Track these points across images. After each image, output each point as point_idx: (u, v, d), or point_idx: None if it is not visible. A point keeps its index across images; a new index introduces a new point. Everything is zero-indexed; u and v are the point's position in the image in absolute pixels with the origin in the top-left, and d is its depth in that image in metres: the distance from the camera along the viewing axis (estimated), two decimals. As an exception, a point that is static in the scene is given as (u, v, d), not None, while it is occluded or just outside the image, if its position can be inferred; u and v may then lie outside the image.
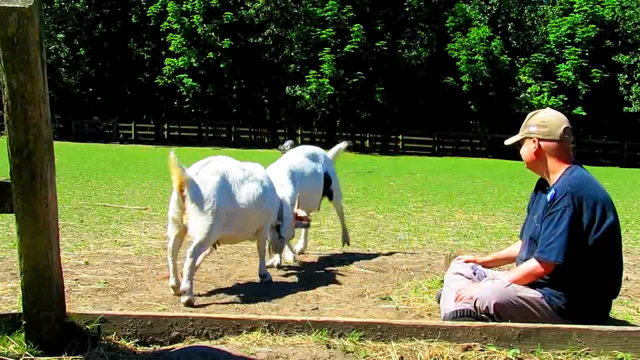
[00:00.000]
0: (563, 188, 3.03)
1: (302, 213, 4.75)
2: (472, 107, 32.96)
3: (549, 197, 3.08)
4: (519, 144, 3.30)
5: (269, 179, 4.40)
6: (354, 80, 31.84)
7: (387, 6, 34.18)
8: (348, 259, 5.35)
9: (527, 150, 3.24)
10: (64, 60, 35.55)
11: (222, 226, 3.93)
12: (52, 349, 2.50)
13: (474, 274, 3.47)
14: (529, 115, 3.31)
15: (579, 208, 2.98)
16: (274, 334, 2.80)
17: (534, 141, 3.18)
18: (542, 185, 3.30)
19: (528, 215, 3.39)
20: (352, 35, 32.10)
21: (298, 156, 5.31)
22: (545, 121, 3.18)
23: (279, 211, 4.52)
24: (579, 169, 3.15)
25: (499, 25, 33.69)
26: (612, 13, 32.48)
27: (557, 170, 3.16)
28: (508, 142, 3.37)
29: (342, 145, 6.09)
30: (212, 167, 4.00)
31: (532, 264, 3.09)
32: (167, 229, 4.08)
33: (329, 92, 31.15)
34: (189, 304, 3.68)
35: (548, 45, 32.57)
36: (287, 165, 5.06)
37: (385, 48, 32.63)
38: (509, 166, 23.97)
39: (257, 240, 4.42)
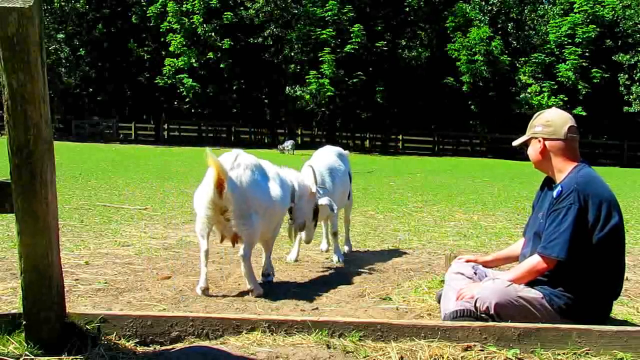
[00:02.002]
0: (569, 185, 3.04)
1: (314, 188, 4.77)
2: (472, 107, 32.96)
3: (554, 193, 3.09)
4: (526, 144, 3.31)
5: (279, 175, 4.46)
6: (354, 80, 31.84)
7: (387, 6, 34.18)
8: (348, 259, 5.35)
9: (533, 150, 3.25)
10: (64, 60, 35.55)
11: (263, 220, 4.01)
12: (52, 349, 2.50)
13: (475, 273, 3.47)
14: (534, 115, 3.33)
15: (584, 206, 2.99)
16: (274, 334, 2.80)
17: (539, 141, 3.20)
18: (548, 183, 3.31)
19: (533, 212, 3.39)
20: (352, 35, 32.10)
21: (332, 156, 5.46)
22: (549, 121, 3.19)
23: (291, 192, 4.55)
24: (586, 167, 3.16)
25: (499, 25, 33.68)
26: (612, 13, 32.48)
27: (564, 169, 3.16)
28: (515, 143, 3.40)
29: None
30: (242, 162, 3.99)
31: (534, 260, 3.09)
32: (198, 229, 4.00)
33: (329, 93, 31.15)
34: (260, 296, 3.96)
35: (548, 45, 32.56)
36: (326, 165, 5.20)
37: (385, 48, 32.64)
38: (509, 166, 23.97)
39: (268, 237, 4.45)
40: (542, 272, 3.08)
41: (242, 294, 4.03)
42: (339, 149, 5.75)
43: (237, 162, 3.95)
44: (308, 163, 5.30)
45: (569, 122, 3.19)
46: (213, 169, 3.76)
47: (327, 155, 5.43)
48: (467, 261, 3.60)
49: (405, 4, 33.66)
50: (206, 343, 2.74)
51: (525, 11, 34.71)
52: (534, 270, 3.09)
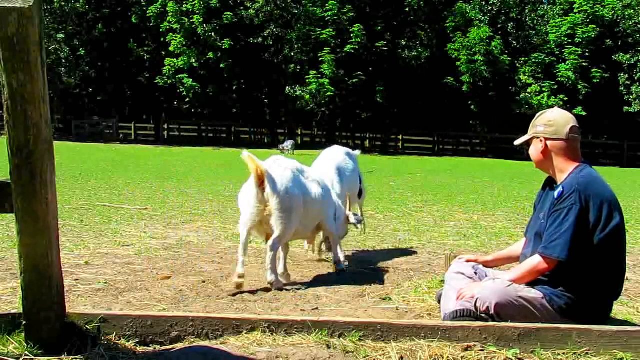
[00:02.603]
0: (571, 186, 3.04)
1: (352, 217, 4.96)
2: (472, 107, 32.97)
3: (556, 194, 3.08)
4: (527, 143, 3.31)
5: (322, 179, 4.66)
6: (354, 80, 31.85)
7: (387, 6, 34.19)
8: (348, 258, 5.35)
9: (534, 150, 3.25)
10: (64, 60, 35.55)
11: (299, 218, 4.19)
12: (52, 349, 2.50)
13: (475, 273, 3.46)
14: (537, 115, 3.33)
15: (585, 206, 2.98)
16: (274, 334, 2.80)
17: (541, 140, 3.20)
18: (549, 183, 3.30)
19: (534, 212, 3.39)
20: (352, 35, 32.12)
21: (340, 155, 5.52)
22: (551, 120, 3.19)
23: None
24: (588, 168, 3.15)
25: (499, 25, 33.70)
26: (612, 13, 32.49)
27: (565, 169, 3.16)
28: (517, 142, 3.40)
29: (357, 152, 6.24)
30: (282, 163, 4.23)
31: (535, 260, 3.09)
32: (240, 224, 4.21)
33: (329, 93, 31.16)
34: (280, 289, 4.11)
35: (548, 45, 32.58)
36: (334, 164, 5.29)
37: (385, 48, 32.66)
38: (509, 166, 23.98)
39: (324, 233, 4.71)
40: (542, 273, 3.08)
41: (243, 294, 4.02)
42: (347, 149, 5.79)
43: (278, 164, 4.20)
44: (316, 162, 5.33)
45: (571, 122, 3.18)
46: (252, 167, 3.99)
47: (335, 155, 5.48)
48: (468, 261, 3.59)
49: (405, 4, 33.67)
50: (206, 343, 2.74)
51: (525, 11, 34.72)
52: (534, 271, 3.09)
